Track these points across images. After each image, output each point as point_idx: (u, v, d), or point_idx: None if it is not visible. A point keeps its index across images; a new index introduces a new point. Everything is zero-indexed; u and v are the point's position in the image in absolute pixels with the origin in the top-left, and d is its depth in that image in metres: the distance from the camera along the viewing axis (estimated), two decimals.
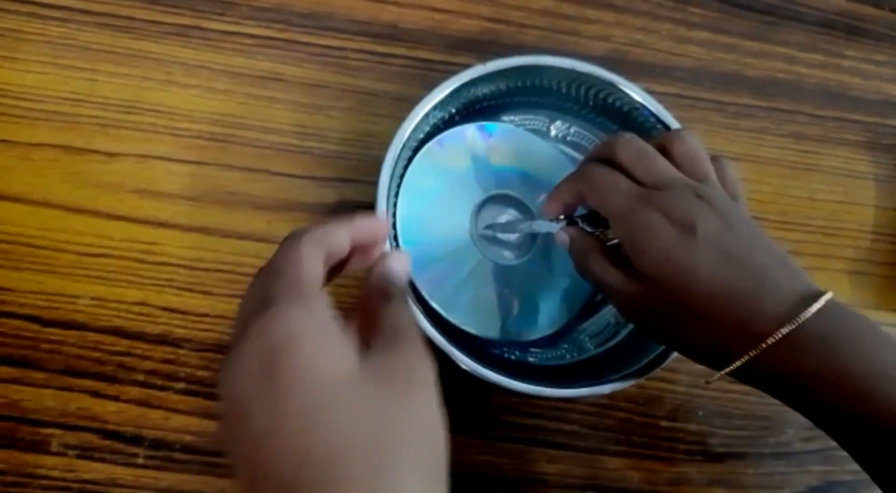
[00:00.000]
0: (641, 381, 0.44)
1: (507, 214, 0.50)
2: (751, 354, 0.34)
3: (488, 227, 0.48)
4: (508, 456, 0.48)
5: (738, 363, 0.35)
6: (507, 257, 0.49)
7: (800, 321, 0.33)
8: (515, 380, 0.42)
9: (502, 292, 0.48)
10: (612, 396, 0.50)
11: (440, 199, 0.48)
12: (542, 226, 0.45)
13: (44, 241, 0.47)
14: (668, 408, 0.51)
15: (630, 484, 0.49)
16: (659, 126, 0.48)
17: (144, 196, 0.49)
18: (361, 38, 0.54)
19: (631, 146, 0.40)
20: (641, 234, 0.37)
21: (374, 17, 0.55)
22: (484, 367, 0.41)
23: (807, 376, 0.34)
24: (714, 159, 0.41)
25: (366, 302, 0.31)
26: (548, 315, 0.48)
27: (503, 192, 0.49)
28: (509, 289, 0.48)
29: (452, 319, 0.46)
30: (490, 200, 0.49)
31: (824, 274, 0.56)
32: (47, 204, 0.48)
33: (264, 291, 0.27)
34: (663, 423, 0.51)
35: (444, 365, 0.41)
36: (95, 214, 0.48)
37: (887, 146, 0.60)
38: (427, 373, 0.27)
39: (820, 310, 0.34)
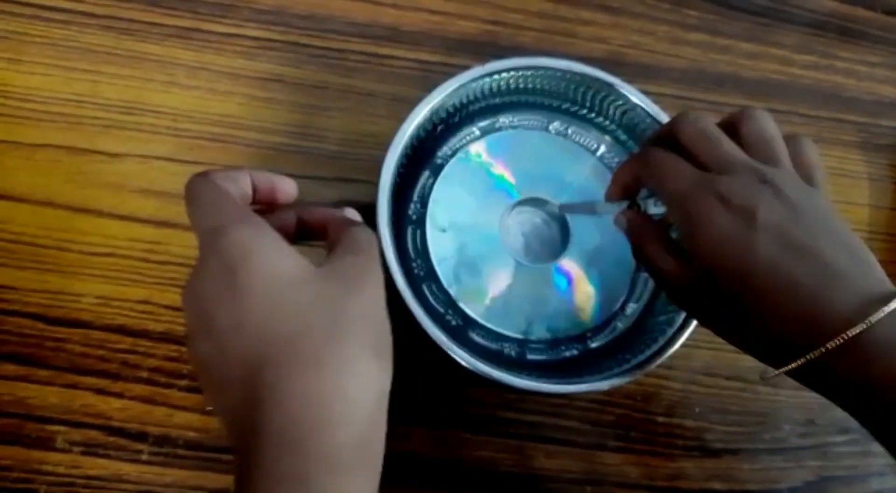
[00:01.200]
0: (639, 377, 0.44)
1: (538, 217, 0.51)
2: (813, 354, 0.32)
3: (562, 207, 0.50)
4: (507, 452, 0.49)
5: (797, 363, 0.33)
6: (536, 258, 0.50)
7: (871, 322, 0.31)
8: (513, 376, 0.42)
9: (526, 293, 0.49)
10: (610, 392, 0.50)
11: (470, 203, 0.49)
12: (604, 208, 0.45)
13: (48, 240, 0.48)
14: (666, 404, 0.51)
15: (628, 479, 0.50)
16: (655, 126, 0.49)
17: (147, 196, 0.49)
18: (361, 39, 0.55)
19: (695, 127, 0.38)
20: (696, 221, 0.35)
21: (373, 20, 0.55)
22: (482, 363, 0.42)
23: (874, 382, 0.31)
24: (790, 139, 0.38)
25: (332, 227, 0.35)
26: (568, 321, 0.49)
27: (532, 196, 0.50)
28: (533, 291, 0.49)
29: (474, 314, 0.47)
30: (521, 204, 0.51)
31: None
32: (51, 204, 0.48)
33: (209, 222, 0.30)
34: (661, 419, 0.51)
35: (443, 362, 0.42)
36: (99, 213, 0.48)
37: (881, 146, 0.61)
38: (376, 276, 0.31)
39: (893, 311, 0.31)
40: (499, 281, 0.48)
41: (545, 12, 0.58)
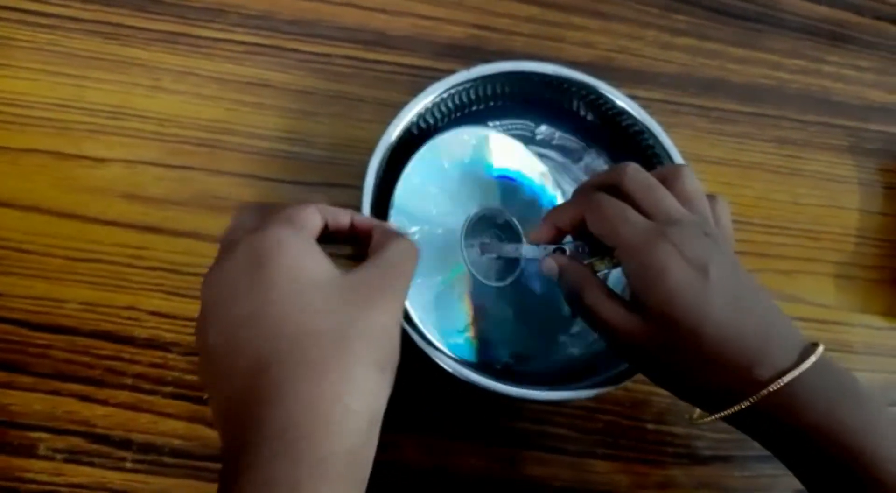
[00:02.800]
0: (627, 384, 0.44)
1: (495, 232, 0.49)
2: (752, 400, 0.35)
3: (472, 244, 0.48)
4: (497, 460, 0.48)
5: (736, 408, 0.35)
6: (492, 276, 0.48)
7: (803, 369, 0.34)
8: (501, 384, 0.42)
9: (481, 311, 0.47)
10: (598, 399, 0.50)
11: (435, 200, 0.47)
12: (529, 251, 0.44)
13: (33, 246, 0.47)
14: (655, 411, 0.51)
15: (618, 488, 0.49)
16: (643, 131, 0.49)
17: (133, 201, 0.49)
18: (349, 44, 0.55)
19: (638, 178, 0.39)
20: (653, 270, 0.36)
21: (361, 24, 0.55)
22: (470, 371, 0.42)
23: (802, 426, 0.34)
24: (711, 198, 0.41)
25: (375, 235, 0.35)
26: (518, 343, 0.48)
27: (497, 209, 0.49)
28: (488, 309, 0.47)
29: (423, 325, 0.44)
30: (484, 217, 0.49)
31: (809, 278, 0.56)
32: (37, 209, 0.48)
33: (258, 221, 0.32)
34: (650, 426, 0.51)
35: (431, 370, 0.42)
36: (84, 219, 0.48)
37: (870, 151, 0.61)
38: (397, 293, 0.32)
39: (817, 361, 0.35)
40: (451, 292, 0.46)
41: (534, 17, 0.58)
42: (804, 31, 0.63)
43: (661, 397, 0.51)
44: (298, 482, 0.26)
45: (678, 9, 0.61)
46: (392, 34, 0.56)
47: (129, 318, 0.47)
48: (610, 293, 0.39)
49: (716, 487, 0.51)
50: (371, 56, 0.55)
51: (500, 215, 0.49)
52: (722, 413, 0.36)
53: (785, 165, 0.59)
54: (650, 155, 0.49)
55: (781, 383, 0.34)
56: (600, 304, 0.39)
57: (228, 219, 0.48)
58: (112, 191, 0.49)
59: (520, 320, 0.48)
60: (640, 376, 0.44)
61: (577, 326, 0.50)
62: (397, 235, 0.35)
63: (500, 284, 0.48)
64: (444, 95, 0.48)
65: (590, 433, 0.50)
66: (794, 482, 0.42)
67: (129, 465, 0.45)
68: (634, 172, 0.40)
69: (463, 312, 0.47)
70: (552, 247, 0.43)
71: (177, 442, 0.45)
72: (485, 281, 0.47)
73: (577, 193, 0.44)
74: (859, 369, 0.54)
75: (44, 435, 0.44)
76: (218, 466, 0.45)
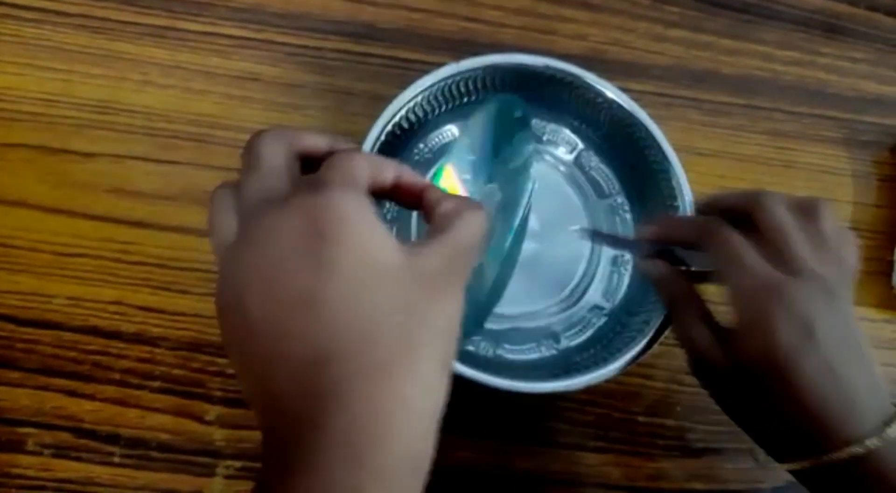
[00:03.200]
0: (619, 376, 0.44)
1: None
2: (830, 457, 0.35)
3: (591, 233, 0.49)
4: (487, 453, 0.48)
5: (798, 466, 0.37)
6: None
7: (884, 438, 0.35)
8: (489, 375, 0.42)
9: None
10: (590, 391, 0.50)
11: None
12: (628, 245, 0.44)
13: (20, 241, 0.47)
14: (647, 403, 0.51)
15: (609, 480, 0.49)
16: (635, 124, 0.48)
17: (121, 196, 0.49)
18: (338, 37, 0.54)
19: (776, 215, 0.39)
20: (760, 324, 0.37)
21: (350, 17, 0.55)
22: (458, 362, 0.41)
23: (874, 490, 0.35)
24: (843, 233, 0.40)
25: (441, 206, 0.30)
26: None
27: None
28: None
29: None
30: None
31: None
32: (24, 204, 0.48)
33: (314, 177, 0.28)
34: (641, 418, 0.51)
35: None
36: (72, 213, 0.48)
37: (864, 142, 0.60)
38: (464, 278, 0.29)
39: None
40: None
41: (525, 9, 0.58)
42: (798, 23, 0.63)
43: (653, 389, 0.51)
44: (361, 490, 0.24)
45: (670, 1, 0.61)
46: (382, 27, 0.55)
47: (117, 313, 0.47)
48: (705, 315, 0.40)
49: (707, 479, 0.50)
50: (361, 49, 0.54)
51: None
52: (786, 466, 0.38)
53: (778, 157, 0.59)
54: (642, 147, 0.49)
55: (863, 449, 0.34)
56: (695, 327, 0.40)
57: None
58: (99, 186, 0.49)
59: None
60: (631, 369, 0.44)
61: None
62: (469, 204, 0.30)
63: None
64: (434, 89, 0.47)
65: (581, 425, 0.50)
66: (786, 475, 0.42)
67: (116, 460, 0.44)
68: (773, 207, 0.40)
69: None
70: (657, 249, 0.43)
71: (164, 437, 0.45)
72: None
73: (702, 210, 0.44)
74: None
75: (32, 430, 0.44)
76: (204, 460, 0.45)
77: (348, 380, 0.25)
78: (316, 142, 0.32)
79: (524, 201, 0.45)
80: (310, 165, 0.31)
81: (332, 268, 0.25)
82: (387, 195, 0.32)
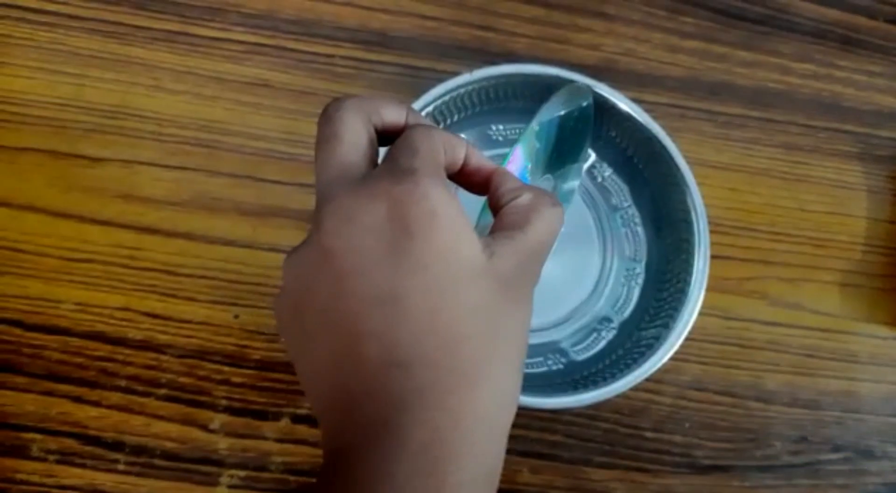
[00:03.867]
0: (627, 391, 0.43)
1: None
2: None
3: None
4: None
5: None
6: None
7: None
8: None
9: None
10: (597, 406, 0.49)
11: None
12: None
13: (28, 245, 0.47)
14: (654, 419, 0.50)
15: None
16: (647, 134, 0.48)
17: (129, 201, 0.49)
18: (350, 44, 0.54)
19: None
20: None
21: (362, 24, 0.55)
22: None
23: None
24: None
25: (515, 199, 0.28)
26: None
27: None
28: None
29: None
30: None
31: (814, 286, 0.55)
32: (32, 208, 0.48)
33: (397, 159, 0.26)
34: (649, 434, 0.50)
35: None
36: (80, 218, 0.48)
37: (879, 157, 0.60)
38: (534, 285, 0.27)
39: None
40: None
41: (538, 18, 0.58)
42: (814, 35, 0.62)
43: (661, 404, 0.51)
44: None
45: (685, 11, 0.60)
46: (394, 35, 0.55)
47: (123, 319, 0.47)
48: None
49: None
50: (372, 57, 0.54)
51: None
52: None
53: (792, 171, 0.58)
54: (655, 160, 0.49)
55: None
56: None
57: (224, 220, 0.49)
58: (108, 191, 0.49)
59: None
60: (639, 383, 0.43)
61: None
62: (545, 199, 0.28)
63: None
64: (446, 98, 0.47)
65: (587, 440, 0.49)
66: None
67: (121, 467, 0.44)
68: None
69: None
70: None
71: (169, 445, 0.45)
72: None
73: None
74: (863, 380, 0.53)
75: (36, 436, 0.44)
76: (208, 469, 0.45)
77: (433, 391, 0.23)
78: (396, 116, 0.29)
79: (572, 199, 0.44)
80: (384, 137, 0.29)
81: (418, 266, 0.23)
82: (452, 177, 0.29)
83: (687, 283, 0.46)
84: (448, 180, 0.28)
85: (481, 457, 0.24)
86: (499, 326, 0.25)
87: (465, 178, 0.30)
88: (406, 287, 0.23)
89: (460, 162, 0.29)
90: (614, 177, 0.52)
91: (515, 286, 0.26)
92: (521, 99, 0.50)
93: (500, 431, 0.25)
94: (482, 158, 0.30)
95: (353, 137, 0.27)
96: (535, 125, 0.43)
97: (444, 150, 0.27)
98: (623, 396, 0.44)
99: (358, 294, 0.24)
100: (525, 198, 0.27)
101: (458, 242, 0.24)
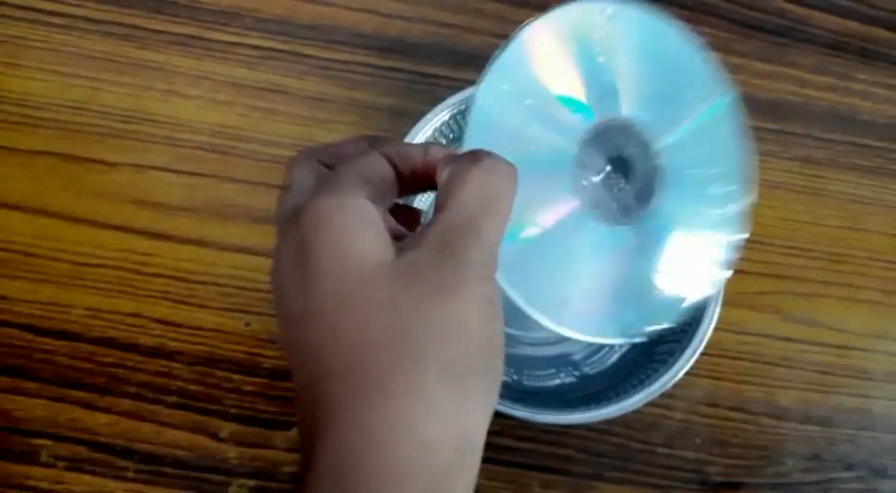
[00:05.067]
0: (639, 406, 0.43)
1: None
2: None
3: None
4: (501, 480, 0.47)
5: None
6: (621, 214, 0.34)
7: None
8: (508, 403, 0.41)
9: (614, 268, 0.33)
10: (608, 421, 0.49)
11: (527, 124, 0.33)
12: None
13: (40, 249, 0.47)
14: (666, 434, 0.50)
15: None
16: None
17: (142, 206, 0.48)
18: (366, 51, 0.54)
19: None
20: None
21: (379, 31, 0.54)
22: None
23: None
24: None
25: (441, 172, 0.25)
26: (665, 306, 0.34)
27: (623, 119, 0.34)
28: (625, 263, 0.33)
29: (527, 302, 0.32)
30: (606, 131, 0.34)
31: (828, 301, 0.55)
32: (45, 212, 0.48)
33: (312, 185, 0.26)
34: (660, 450, 0.50)
35: None
36: (92, 223, 0.48)
37: None
38: (479, 266, 0.23)
39: None
40: (567, 246, 0.33)
41: None
42: (833, 47, 0.62)
43: (673, 420, 0.50)
44: None
45: (702, 21, 0.60)
46: (410, 42, 0.54)
47: (134, 325, 0.46)
48: None
49: None
50: (388, 64, 0.54)
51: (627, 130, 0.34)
52: None
53: (808, 184, 0.57)
54: None
55: None
56: None
57: (237, 227, 0.49)
58: (121, 196, 0.48)
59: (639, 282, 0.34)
60: (651, 399, 0.43)
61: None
62: (473, 160, 0.24)
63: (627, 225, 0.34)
64: (462, 107, 0.47)
65: (598, 455, 0.49)
66: None
67: (130, 475, 0.44)
68: None
69: (571, 272, 0.33)
70: None
71: (179, 453, 0.45)
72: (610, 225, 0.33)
73: None
74: (878, 397, 0.53)
75: (46, 442, 0.44)
76: (217, 478, 0.45)
77: (342, 406, 0.22)
78: (354, 150, 0.27)
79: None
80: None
81: (317, 277, 0.23)
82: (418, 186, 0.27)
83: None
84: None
85: (411, 476, 0.21)
86: (412, 323, 0.22)
87: (422, 180, 0.27)
88: (312, 300, 0.23)
89: (419, 163, 0.27)
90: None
91: (430, 275, 0.23)
92: None
93: (438, 441, 0.22)
94: (442, 151, 0.27)
95: (298, 184, 0.26)
96: None
97: (386, 164, 0.26)
98: (634, 411, 0.44)
99: (286, 319, 0.24)
100: (446, 171, 0.24)
101: (347, 245, 0.23)
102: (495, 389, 0.24)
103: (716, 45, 0.59)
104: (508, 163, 0.25)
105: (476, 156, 0.24)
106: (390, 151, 0.26)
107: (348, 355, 0.22)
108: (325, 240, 0.23)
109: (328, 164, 0.27)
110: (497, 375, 0.24)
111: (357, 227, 0.23)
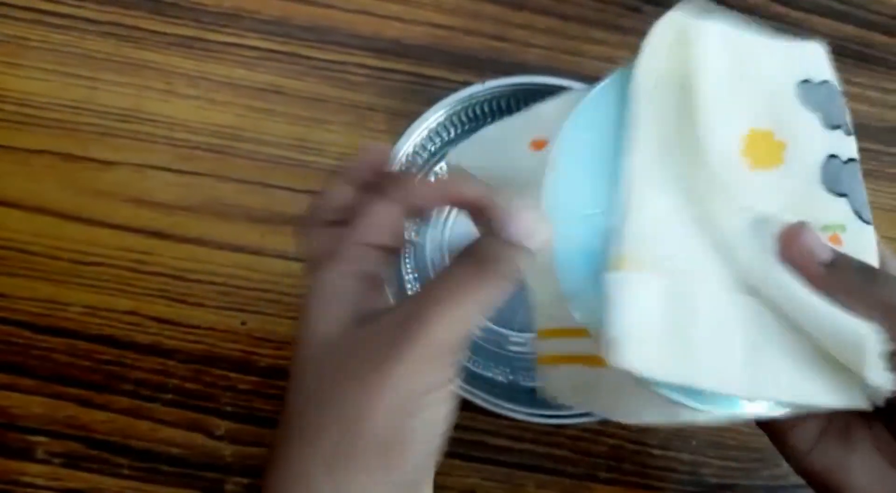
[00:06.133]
0: None
1: None
2: None
3: None
4: (496, 480, 0.47)
5: None
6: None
7: None
8: (504, 403, 0.41)
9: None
10: (604, 422, 0.49)
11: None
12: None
13: (38, 247, 0.47)
14: (662, 436, 0.50)
15: None
16: None
17: (140, 205, 0.49)
18: (363, 52, 0.54)
19: None
20: None
21: (376, 33, 0.55)
22: (471, 387, 0.41)
23: None
24: None
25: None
26: None
27: None
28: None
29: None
30: None
31: None
32: (43, 210, 0.48)
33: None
34: (656, 451, 0.50)
35: None
36: (90, 221, 0.48)
37: (892, 175, 0.59)
38: (416, 350, 0.23)
39: None
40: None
41: (553, 29, 0.57)
42: (831, 50, 0.62)
43: None
44: None
45: None
46: (407, 43, 0.55)
47: (131, 323, 0.47)
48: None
49: None
50: (385, 65, 0.54)
51: None
52: None
53: None
54: None
55: None
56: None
57: (234, 226, 0.49)
58: (119, 195, 0.49)
59: None
60: None
61: None
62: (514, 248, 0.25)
63: None
64: (458, 108, 0.47)
65: (593, 455, 0.49)
66: None
67: (126, 472, 0.44)
68: None
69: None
70: None
71: (175, 451, 0.45)
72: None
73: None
74: None
75: (42, 439, 0.44)
76: (213, 475, 0.45)
77: (269, 470, 0.24)
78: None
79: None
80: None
81: (298, 346, 0.25)
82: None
83: None
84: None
85: None
86: (313, 400, 0.24)
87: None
88: (290, 373, 0.25)
89: (429, 204, 0.27)
90: None
91: (349, 361, 0.23)
92: None
93: None
94: (479, 192, 0.26)
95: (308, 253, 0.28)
96: None
97: (380, 225, 0.26)
98: None
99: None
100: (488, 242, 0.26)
101: (312, 320, 0.25)
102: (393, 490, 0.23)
103: None
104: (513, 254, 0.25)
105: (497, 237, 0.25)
106: (402, 196, 0.26)
107: (283, 414, 0.25)
108: (304, 310, 0.26)
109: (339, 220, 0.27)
110: (402, 474, 0.23)
111: (329, 297, 0.25)
